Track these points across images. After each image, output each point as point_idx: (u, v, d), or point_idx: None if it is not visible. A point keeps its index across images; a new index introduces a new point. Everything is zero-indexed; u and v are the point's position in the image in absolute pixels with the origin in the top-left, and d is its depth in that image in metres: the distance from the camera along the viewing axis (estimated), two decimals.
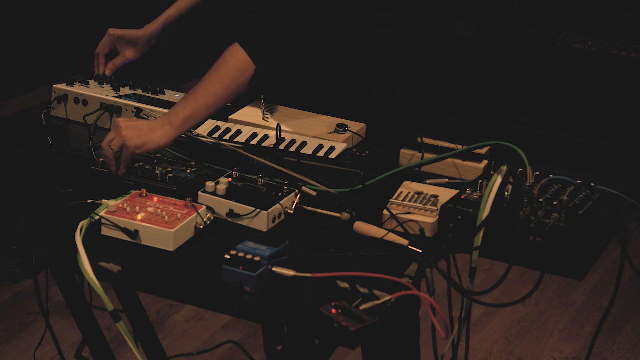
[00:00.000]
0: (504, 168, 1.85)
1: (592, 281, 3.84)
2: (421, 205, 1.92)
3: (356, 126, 2.31)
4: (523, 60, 4.53)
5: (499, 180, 1.83)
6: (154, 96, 2.44)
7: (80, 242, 1.78)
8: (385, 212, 1.91)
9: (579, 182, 1.95)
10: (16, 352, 3.27)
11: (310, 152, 2.18)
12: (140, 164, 2.05)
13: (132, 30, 2.43)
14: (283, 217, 1.94)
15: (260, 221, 1.90)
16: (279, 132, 2.21)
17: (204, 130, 2.26)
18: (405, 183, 2.03)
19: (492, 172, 1.91)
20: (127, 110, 2.32)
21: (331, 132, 2.29)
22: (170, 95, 2.45)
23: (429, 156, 2.14)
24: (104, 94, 2.39)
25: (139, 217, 1.85)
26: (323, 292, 1.69)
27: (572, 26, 4.64)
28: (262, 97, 2.39)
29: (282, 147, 2.19)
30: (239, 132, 2.26)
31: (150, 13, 2.22)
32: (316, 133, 2.28)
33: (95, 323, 2.21)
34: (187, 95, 2.07)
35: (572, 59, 4.62)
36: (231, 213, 1.92)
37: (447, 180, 2.07)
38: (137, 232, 1.83)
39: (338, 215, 1.93)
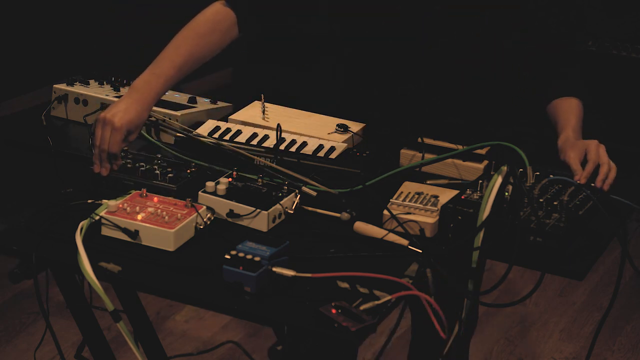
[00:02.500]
0: (504, 168, 1.85)
1: (592, 281, 3.84)
2: (421, 206, 1.92)
3: (356, 126, 2.32)
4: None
5: (499, 180, 1.83)
6: None
7: (80, 242, 1.78)
8: (385, 212, 1.91)
9: (579, 182, 1.95)
10: (16, 352, 3.27)
11: (310, 152, 2.18)
12: (141, 164, 2.05)
13: (138, 113, 2.06)
14: (283, 217, 1.94)
15: (260, 221, 1.90)
16: (279, 132, 2.21)
17: (204, 130, 2.26)
18: (405, 183, 2.03)
19: (492, 172, 1.91)
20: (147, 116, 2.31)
21: (331, 132, 2.29)
22: (170, 95, 2.45)
23: (429, 156, 2.14)
24: (104, 93, 2.39)
25: (139, 217, 1.85)
26: (323, 292, 1.69)
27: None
28: (262, 97, 2.39)
29: (282, 147, 2.19)
30: (239, 132, 2.26)
31: (149, 12, 2.22)
32: (316, 133, 2.28)
33: (95, 323, 2.21)
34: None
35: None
36: (231, 213, 1.92)
37: (448, 181, 2.07)
38: (137, 232, 1.83)
39: (338, 215, 1.93)
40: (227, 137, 2.24)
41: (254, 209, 1.90)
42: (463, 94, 2.35)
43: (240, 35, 2.23)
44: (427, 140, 2.18)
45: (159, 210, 1.88)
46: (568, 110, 2.25)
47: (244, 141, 2.22)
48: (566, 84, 2.28)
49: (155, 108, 2.31)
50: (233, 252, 1.73)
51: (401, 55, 2.31)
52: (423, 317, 2.34)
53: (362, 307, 1.64)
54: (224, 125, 2.29)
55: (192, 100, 2.42)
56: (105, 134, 2.01)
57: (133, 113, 2.03)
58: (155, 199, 1.92)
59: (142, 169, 2.04)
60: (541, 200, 1.89)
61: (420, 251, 1.80)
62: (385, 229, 1.87)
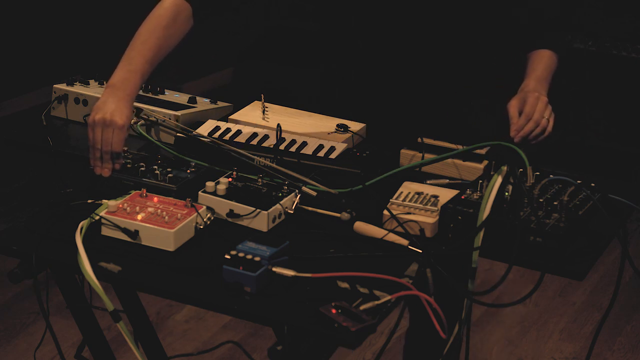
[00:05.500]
0: (504, 168, 1.85)
1: (592, 281, 3.85)
2: (421, 205, 1.92)
3: (356, 126, 2.31)
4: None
5: (499, 180, 1.83)
6: (154, 96, 2.44)
7: (80, 242, 1.78)
8: (385, 212, 1.91)
9: (579, 182, 1.95)
10: (16, 352, 3.27)
11: (310, 152, 2.18)
12: (141, 164, 2.05)
13: (129, 110, 2.10)
14: (283, 217, 1.94)
15: (260, 221, 1.90)
16: (279, 132, 2.21)
17: (204, 130, 2.26)
18: (405, 183, 2.03)
19: (492, 172, 1.91)
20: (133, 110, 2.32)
21: (331, 132, 2.29)
22: (170, 95, 2.45)
23: (429, 156, 2.14)
24: None
25: (139, 217, 1.85)
26: (323, 292, 1.69)
27: (572, 26, 4.64)
28: (262, 97, 2.39)
29: (282, 147, 2.19)
30: (239, 132, 2.26)
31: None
32: (316, 133, 2.28)
33: (95, 323, 2.20)
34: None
35: (572, 59, 4.62)
36: (231, 213, 1.92)
37: (448, 181, 2.07)
38: (137, 232, 1.83)
39: (338, 215, 1.93)
40: (227, 137, 2.24)
41: (254, 209, 1.90)
42: (463, 94, 2.36)
43: (194, 25, 2.25)
44: (427, 140, 2.18)
45: (159, 210, 1.88)
46: (536, 60, 2.25)
47: (244, 141, 2.22)
48: (542, 39, 2.27)
49: (155, 108, 2.32)
50: (233, 252, 1.73)
51: (401, 54, 2.31)
52: (422, 317, 2.34)
53: (362, 307, 1.63)
54: (224, 125, 2.29)
55: (192, 100, 2.42)
56: (107, 134, 2.02)
57: (126, 110, 2.06)
58: (155, 199, 1.92)
59: (142, 169, 2.04)
60: (541, 200, 1.89)
61: (420, 251, 1.80)
62: (385, 229, 1.87)
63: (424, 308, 1.68)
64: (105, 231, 1.86)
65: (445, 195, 1.96)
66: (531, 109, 2.12)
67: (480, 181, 1.95)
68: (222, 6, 2.28)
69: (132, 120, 2.22)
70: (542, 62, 2.25)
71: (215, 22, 2.27)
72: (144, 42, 2.15)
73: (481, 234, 1.80)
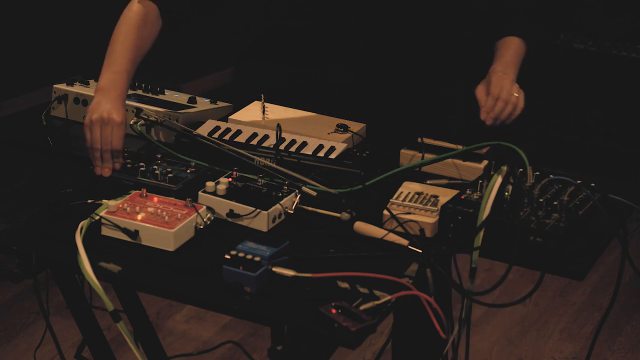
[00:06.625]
0: (504, 168, 1.85)
1: (592, 281, 3.84)
2: (421, 205, 1.92)
3: (356, 126, 2.31)
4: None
5: (499, 180, 1.83)
6: (154, 96, 2.44)
7: (80, 242, 1.78)
8: (385, 212, 1.91)
9: (579, 182, 1.95)
10: (16, 352, 3.27)
11: (310, 152, 2.18)
12: (141, 164, 2.05)
13: (124, 108, 2.12)
14: (283, 217, 1.94)
15: (260, 221, 1.90)
16: (279, 132, 2.21)
17: (204, 130, 2.26)
18: (405, 183, 2.03)
19: (492, 172, 1.91)
20: (127, 110, 2.32)
21: (331, 132, 2.29)
22: (170, 95, 2.45)
23: (429, 156, 2.14)
24: None
25: (139, 217, 1.85)
26: (323, 292, 1.69)
27: (572, 26, 4.64)
28: (262, 97, 2.39)
29: (282, 147, 2.19)
30: (239, 132, 2.26)
31: None
32: (316, 133, 2.28)
33: (95, 323, 2.20)
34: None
35: (572, 59, 4.62)
36: (231, 213, 1.92)
37: (447, 181, 2.07)
38: (137, 232, 1.83)
39: (338, 215, 1.93)
40: (227, 137, 2.24)
41: (254, 209, 1.90)
42: (463, 93, 2.35)
43: (164, 26, 2.26)
44: (427, 140, 2.17)
45: (159, 210, 1.88)
46: (504, 47, 2.24)
47: (244, 141, 2.22)
48: (510, 26, 2.27)
49: (155, 108, 2.32)
50: (233, 252, 1.73)
51: (401, 54, 2.31)
52: (408, 319, 2.33)
53: (362, 307, 1.63)
54: (224, 125, 2.29)
55: (192, 100, 2.42)
56: (106, 132, 2.02)
57: (121, 108, 2.07)
58: (155, 199, 1.92)
59: (142, 169, 2.04)
60: (541, 200, 1.89)
61: (420, 251, 1.80)
62: (385, 229, 1.87)
63: (408, 310, 1.67)
64: (105, 231, 1.86)
65: (445, 195, 1.96)
66: (497, 88, 2.11)
67: (480, 181, 1.95)
68: (187, 6, 2.29)
69: (132, 120, 2.22)
70: (510, 48, 2.24)
71: (211, 22, 2.27)
72: (122, 43, 2.17)
73: (481, 234, 1.80)
